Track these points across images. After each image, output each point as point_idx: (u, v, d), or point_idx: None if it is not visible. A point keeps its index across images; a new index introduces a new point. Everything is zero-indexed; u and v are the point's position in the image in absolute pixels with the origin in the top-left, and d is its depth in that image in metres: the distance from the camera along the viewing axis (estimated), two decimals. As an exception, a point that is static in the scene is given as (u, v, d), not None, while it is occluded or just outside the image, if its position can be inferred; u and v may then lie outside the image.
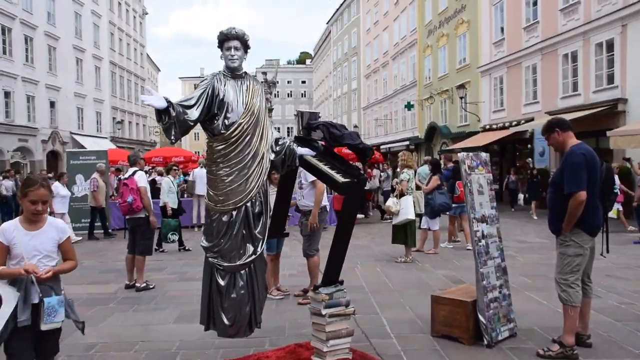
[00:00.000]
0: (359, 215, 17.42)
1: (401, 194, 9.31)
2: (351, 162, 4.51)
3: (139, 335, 5.45)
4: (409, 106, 36.71)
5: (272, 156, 4.41)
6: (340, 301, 4.42)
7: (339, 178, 4.13)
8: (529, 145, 22.70)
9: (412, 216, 9.23)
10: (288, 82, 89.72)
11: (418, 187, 10.65)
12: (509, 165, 23.85)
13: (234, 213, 4.17)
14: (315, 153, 4.43)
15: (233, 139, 4.15)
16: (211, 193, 4.26)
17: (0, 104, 28.47)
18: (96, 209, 13.76)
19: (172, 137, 3.87)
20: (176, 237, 10.73)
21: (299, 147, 4.46)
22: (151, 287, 7.57)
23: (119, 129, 43.27)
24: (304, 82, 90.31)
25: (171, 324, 5.86)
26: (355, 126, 51.38)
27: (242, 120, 4.17)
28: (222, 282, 4.19)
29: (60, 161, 31.51)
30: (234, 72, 4.29)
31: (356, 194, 4.26)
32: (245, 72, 4.38)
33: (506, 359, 4.51)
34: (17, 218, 3.37)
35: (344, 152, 13.03)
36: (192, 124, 3.97)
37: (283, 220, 5.10)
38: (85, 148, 29.15)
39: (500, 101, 25.24)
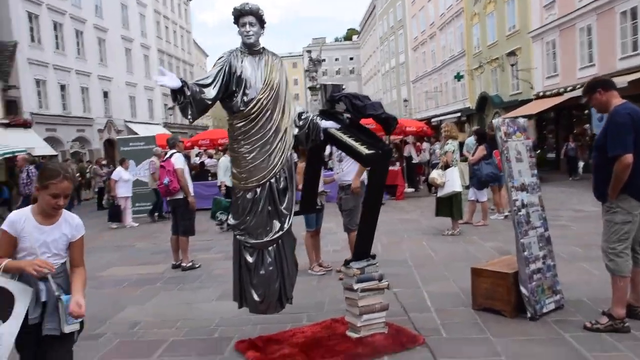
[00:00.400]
0: (409, 190, 17.22)
1: (446, 166, 9.06)
2: (378, 135, 4.36)
3: (182, 313, 5.54)
4: (458, 77, 35.76)
5: (296, 131, 4.34)
6: (372, 275, 4.35)
7: (364, 150, 4.02)
8: (586, 111, 21.68)
9: (458, 188, 8.97)
10: (336, 59, 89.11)
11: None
12: (565, 133, 22.87)
13: (258, 190, 4.13)
14: (339, 126, 4.32)
15: (253, 115, 4.10)
16: (235, 171, 4.24)
17: (57, 97, 29.53)
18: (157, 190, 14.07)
19: (189, 117, 3.85)
20: (224, 217, 10.85)
21: (323, 120, 4.36)
22: (197, 266, 7.70)
23: (170, 115, 44.17)
24: (351, 58, 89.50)
25: (213, 301, 5.93)
26: (405, 100, 50.58)
27: (261, 96, 4.11)
28: (250, 259, 4.18)
29: (116, 149, 32.50)
30: (251, 48, 4.22)
31: (382, 166, 4.14)
32: (263, 48, 4.31)
33: (551, 332, 4.31)
34: (30, 208, 2.94)
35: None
36: (209, 102, 3.94)
37: (314, 195, 5.03)
38: (139, 135, 29.93)
39: (553, 67, 24.15)
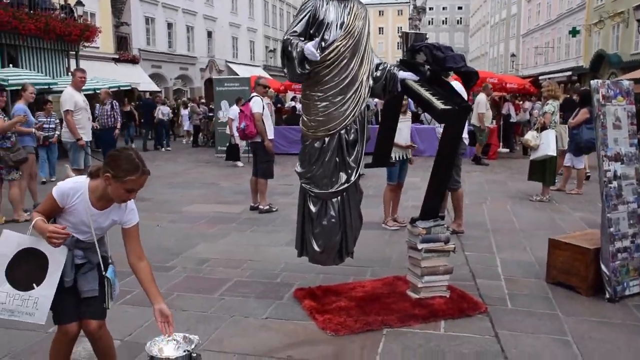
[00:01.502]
0: (503, 150, 16.42)
1: (543, 127, 8.46)
2: (458, 91, 4.07)
3: (250, 254, 5.67)
4: (574, 32, 33.03)
5: (371, 82, 4.15)
6: (439, 236, 4.18)
7: (439, 104, 3.77)
8: None
9: (552, 152, 8.37)
10: (443, 8, 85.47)
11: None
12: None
13: (327, 140, 4.03)
14: (417, 77, 4.07)
15: (329, 61, 3.96)
16: (305, 118, 4.14)
17: (164, 35, 30.69)
18: None
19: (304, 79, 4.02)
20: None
21: (401, 71, 4.13)
22: (274, 209, 7.82)
23: (271, 58, 44.69)
24: (460, 7, 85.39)
25: (283, 246, 6.00)
26: (513, 55, 47.81)
27: (340, 43, 3.95)
28: (313, 209, 4.14)
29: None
30: None
31: (457, 123, 3.87)
32: None
33: (629, 317, 3.96)
34: (87, 182, 2.65)
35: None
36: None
37: (387, 148, 4.86)
38: (239, 75, 30.59)
39: (686, 24, 21.68)
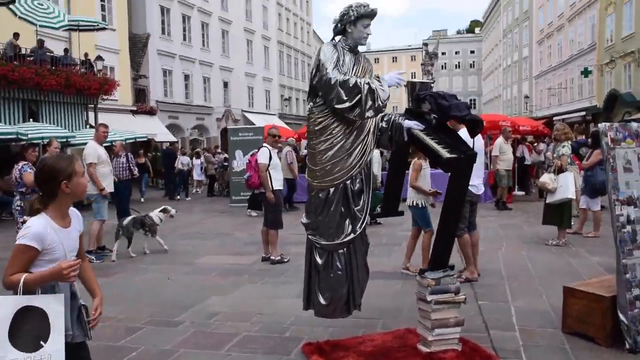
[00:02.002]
0: (519, 192, 16.26)
1: (559, 170, 8.37)
2: (462, 138, 4.06)
3: (260, 307, 5.59)
4: (586, 73, 33.15)
5: (378, 134, 4.16)
6: (448, 287, 4.08)
7: (444, 153, 3.76)
8: None
9: (572, 195, 8.25)
10: (456, 52, 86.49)
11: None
12: None
13: (332, 190, 4.02)
14: (423, 126, 4.08)
15: (337, 113, 3.96)
16: (310, 167, 4.14)
17: (181, 86, 31.44)
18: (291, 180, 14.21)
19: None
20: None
21: (406, 120, 4.14)
22: (285, 260, 7.76)
23: (286, 106, 45.42)
24: (472, 52, 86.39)
25: (294, 298, 5.88)
26: (526, 96, 47.95)
27: None
28: (319, 261, 4.09)
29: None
30: (355, 47, 4.12)
31: (464, 171, 3.84)
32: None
33: (651, 368, 3.81)
34: (43, 215, 2.60)
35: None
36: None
37: (396, 197, 4.82)
38: (255, 124, 31.04)
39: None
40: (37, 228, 2.54)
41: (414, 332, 4.39)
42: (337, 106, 3.79)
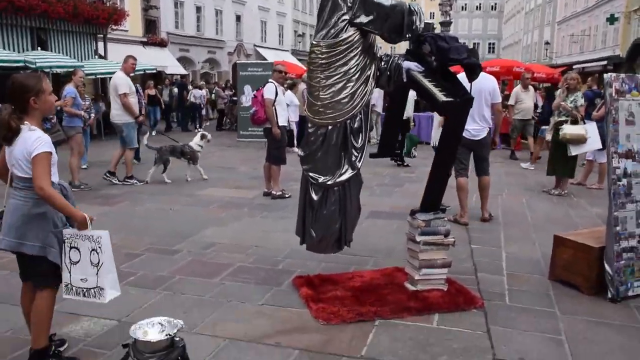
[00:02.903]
0: (525, 140, 16.05)
1: (574, 121, 8.24)
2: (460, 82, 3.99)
3: (256, 240, 5.71)
4: (612, 20, 31.99)
5: (377, 74, 4.11)
6: (438, 229, 4.16)
7: (440, 96, 3.73)
8: None
9: (600, 145, 8.11)
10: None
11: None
12: None
13: (331, 127, 4.01)
14: (422, 68, 4.02)
15: (343, 47, 3.89)
16: (310, 100, 4.11)
17: (193, 18, 30.84)
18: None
19: None
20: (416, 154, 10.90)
21: (406, 62, 4.08)
22: (287, 196, 7.84)
23: (299, 42, 44.54)
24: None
25: (291, 232, 5.90)
26: (547, 43, 46.68)
27: (355, 32, 3.88)
28: (314, 197, 4.14)
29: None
30: None
31: (458, 116, 3.82)
32: None
33: (630, 319, 3.89)
34: (29, 126, 2.94)
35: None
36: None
37: (393, 138, 4.82)
38: (267, 60, 30.61)
39: None
40: (43, 137, 2.89)
41: (402, 271, 4.49)
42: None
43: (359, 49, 3.94)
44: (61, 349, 3.26)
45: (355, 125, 4.09)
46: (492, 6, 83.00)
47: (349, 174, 4.11)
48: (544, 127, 11.29)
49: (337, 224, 4.17)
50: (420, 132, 14.16)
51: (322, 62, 3.99)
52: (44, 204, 2.90)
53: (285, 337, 3.51)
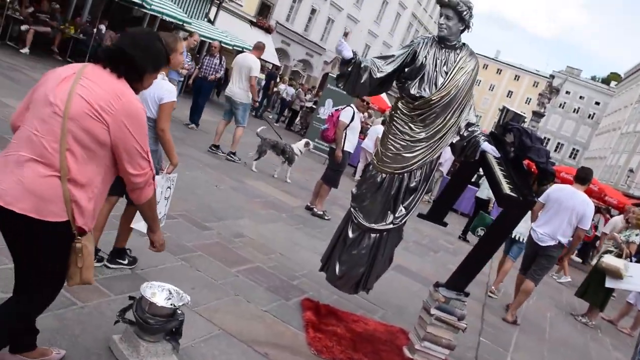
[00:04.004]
0: (576, 258, 15.64)
1: (620, 254, 8.02)
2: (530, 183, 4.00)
3: (283, 248, 5.80)
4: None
5: (456, 138, 4.16)
6: (455, 311, 4.13)
7: (505, 188, 3.72)
8: None
9: (639, 288, 7.87)
10: (580, 97, 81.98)
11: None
12: None
13: (387, 177, 4.09)
14: (499, 155, 4.04)
15: (417, 112, 4.02)
16: (379, 148, 4.21)
17: (305, 17, 31.63)
18: None
19: (341, 87, 4.22)
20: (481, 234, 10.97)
21: (486, 143, 4.11)
22: (326, 218, 7.92)
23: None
24: (597, 103, 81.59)
25: (316, 254, 6.05)
26: (631, 170, 45.32)
27: (434, 98, 3.98)
28: (350, 234, 4.21)
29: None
30: (444, 41, 4.08)
31: (516, 212, 3.81)
32: (464, 44, 4.12)
33: None
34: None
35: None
36: (378, 76, 3.97)
37: (445, 208, 4.83)
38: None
39: None
40: (174, 87, 3.62)
41: (406, 335, 4.48)
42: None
43: (436, 114, 4.04)
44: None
45: (412, 185, 4.14)
46: (589, 114, 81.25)
47: (389, 226, 4.17)
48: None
49: (362, 268, 4.22)
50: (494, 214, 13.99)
51: (396, 114, 4.14)
52: (156, 143, 3.57)
53: (274, 350, 3.56)
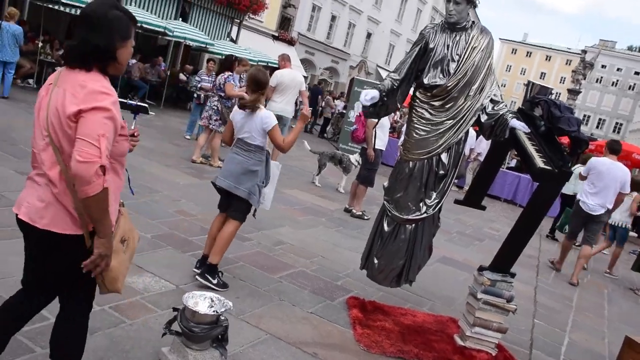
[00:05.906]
0: (632, 234, 15.07)
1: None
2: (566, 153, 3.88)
3: (324, 250, 5.82)
4: None
5: (484, 118, 4.09)
6: (502, 292, 4.05)
7: (539, 162, 3.64)
8: None
9: None
10: (618, 69, 79.43)
11: None
12: None
13: (417, 164, 4.06)
14: (529, 130, 3.95)
15: (435, 100, 4.01)
16: (405, 137, 4.20)
17: (326, 25, 31.74)
18: None
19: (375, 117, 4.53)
20: None
21: (514, 119, 4.02)
22: (365, 218, 7.90)
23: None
24: (637, 73, 78.89)
25: (358, 253, 6.03)
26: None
27: (450, 84, 3.95)
28: (386, 228, 4.20)
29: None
30: (453, 26, 4.05)
31: (552, 186, 3.72)
32: (473, 22, 4.08)
33: None
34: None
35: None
36: (397, 87, 4.18)
37: (482, 192, 4.76)
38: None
39: None
40: (271, 113, 4.15)
41: (456, 323, 4.43)
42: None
43: (455, 97, 4.04)
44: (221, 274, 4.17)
45: (441, 171, 4.10)
46: (630, 86, 78.52)
47: (423, 215, 4.13)
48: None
49: (402, 260, 4.19)
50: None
51: (416, 103, 4.15)
52: (259, 164, 4.11)
53: (323, 350, 3.57)
